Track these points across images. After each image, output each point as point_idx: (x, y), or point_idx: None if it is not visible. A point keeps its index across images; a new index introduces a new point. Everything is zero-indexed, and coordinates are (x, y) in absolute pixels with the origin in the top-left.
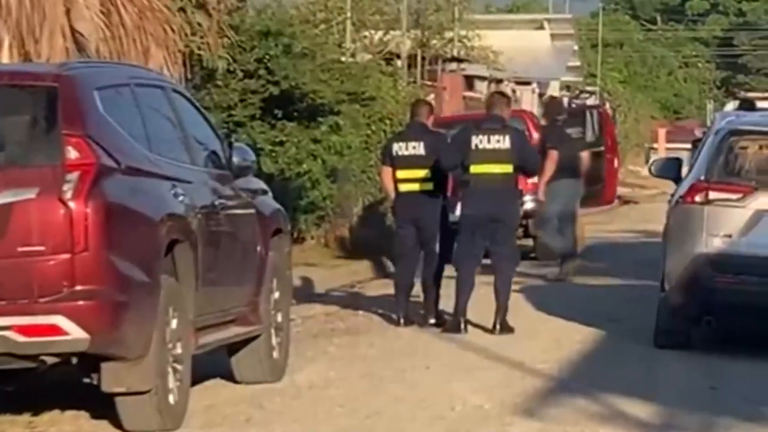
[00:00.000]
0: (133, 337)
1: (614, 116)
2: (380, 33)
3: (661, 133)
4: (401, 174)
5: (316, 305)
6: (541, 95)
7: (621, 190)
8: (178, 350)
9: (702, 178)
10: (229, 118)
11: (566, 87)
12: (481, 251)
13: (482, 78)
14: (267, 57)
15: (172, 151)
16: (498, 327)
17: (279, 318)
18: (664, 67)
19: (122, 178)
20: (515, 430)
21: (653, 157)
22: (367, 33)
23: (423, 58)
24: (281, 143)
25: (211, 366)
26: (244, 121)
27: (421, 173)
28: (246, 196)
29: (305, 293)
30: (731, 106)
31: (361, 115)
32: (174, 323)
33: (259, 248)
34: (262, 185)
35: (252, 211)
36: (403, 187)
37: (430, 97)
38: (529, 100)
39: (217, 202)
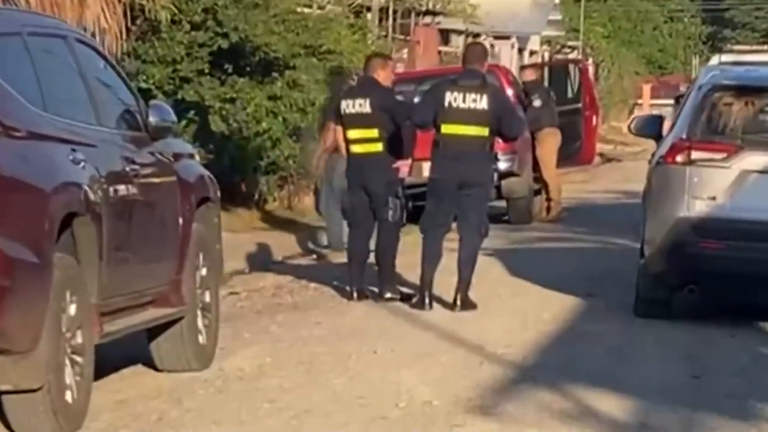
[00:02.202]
0: (18, 327)
1: (597, 72)
2: None
3: (646, 89)
4: (349, 134)
5: (269, 275)
6: (520, 50)
7: (603, 148)
8: (78, 340)
9: (684, 136)
10: (175, 73)
11: (547, 42)
12: (449, 219)
13: (458, 32)
14: (215, 7)
15: (73, 110)
16: (459, 303)
17: (207, 298)
18: (648, 22)
19: (6, 142)
20: None
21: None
22: None
23: (395, 12)
24: (232, 100)
25: (135, 350)
26: (191, 77)
27: (368, 133)
28: (166, 161)
29: (261, 261)
30: (716, 60)
31: (325, 70)
32: (72, 309)
33: (180, 220)
34: (187, 148)
35: (172, 177)
36: (352, 149)
37: (403, 52)
38: (508, 56)
39: (128, 168)
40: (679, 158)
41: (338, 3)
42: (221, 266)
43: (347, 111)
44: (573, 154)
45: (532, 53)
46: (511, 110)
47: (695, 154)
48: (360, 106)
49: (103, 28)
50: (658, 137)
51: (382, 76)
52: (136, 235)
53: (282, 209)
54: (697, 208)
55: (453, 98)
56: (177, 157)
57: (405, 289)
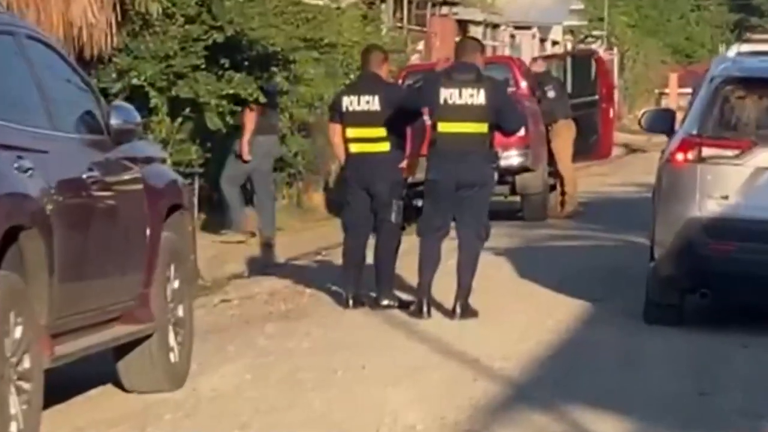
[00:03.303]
0: None
1: (622, 62)
2: None
3: (673, 77)
4: (352, 132)
5: (267, 280)
6: (542, 40)
7: (628, 138)
8: (25, 365)
9: (694, 132)
10: (168, 68)
11: (570, 32)
12: (447, 222)
13: (477, 23)
14: None
15: (21, 114)
16: (459, 311)
17: (179, 312)
18: (675, 11)
19: None
20: None
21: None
22: None
23: (410, 2)
24: (229, 96)
25: (108, 368)
26: (185, 72)
27: (375, 132)
28: (130, 166)
29: (262, 264)
30: (735, 49)
31: (339, 64)
32: (18, 331)
33: (148, 229)
34: (157, 152)
35: (138, 184)
36: (354, 148)
37: (419, 44)
38: (529, 46)
39: (86, 175)
40: (689, 155)
41: None
42: (196, 278)
43: (351, 108)
44: (590, 147)
45: (554, 43)
46: (511, 103)
47: (706, 151)
48: (368, 103)
49: (91, 23)
50: (670, 132)
51: (384, 71)
52: (96, 248)
53: (291, 207)
54: (709, 207)
55: (449, 94)
56: (144, 161)
57: (404, 296)
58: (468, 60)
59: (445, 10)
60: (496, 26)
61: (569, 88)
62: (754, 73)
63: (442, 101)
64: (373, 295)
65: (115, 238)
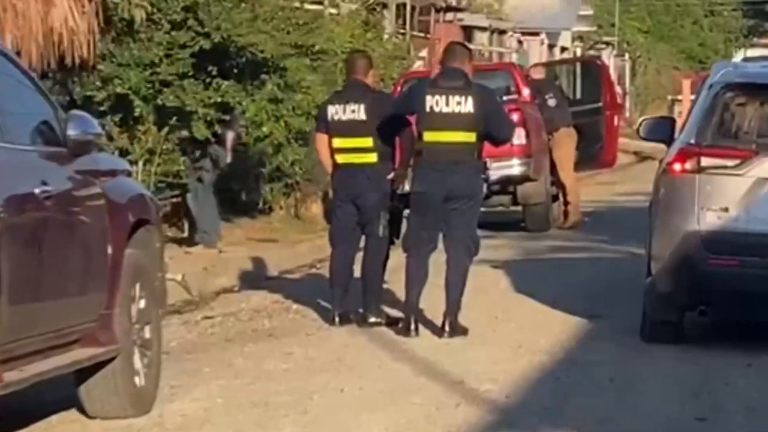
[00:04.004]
0: None
1: (634, 68)
2: None
3: (686, 83)
4: (338, 143)
5: (256, 294)
6: (551, 46)
7: (639, 145)
8: None
9: (692, 141)
10: (153, 76)
11: (579, 38)
12: (435, 236)
13: (482, 29)
14: (196, 4)
15: None
16: (447, 329)
17: (146, 333)
18: (688, 16)
19: None
20: None
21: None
22: None
23: (413, 8)
24: (220, 104)
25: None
26: (171, 80)
27: (362, 142)
28: (90, 180)
29: (254, 277)
30: (741, 55)
31: (338, 71)
32: None
33: (109, 246)
34: (120, 164)
35: (99, 199)
36: (341, 159)
37: (423, 51)
38: (537, 52)
39: (38, 190)
40: (687, 165)
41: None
42: (164, 297)
43: (336, 118)
44: (594, 156)
45: (563, 50)
46: (501, 111)
47: (705, 161)
48: (353, 112)
49: (72, 29)
50: (670, 141)
51: (371, 79)
52: (50, 267)
53: (289, 218)
54: (708, 220)
55: (434, 102)
56: (106, 174)
57: (393, 312)
58: (456, 66)
59: (449, 16)
60: (502, 32)
61: (572, 96)
62: (755, 78)
63: (428, 109)
64: (361, 311)
65: (72, 257)
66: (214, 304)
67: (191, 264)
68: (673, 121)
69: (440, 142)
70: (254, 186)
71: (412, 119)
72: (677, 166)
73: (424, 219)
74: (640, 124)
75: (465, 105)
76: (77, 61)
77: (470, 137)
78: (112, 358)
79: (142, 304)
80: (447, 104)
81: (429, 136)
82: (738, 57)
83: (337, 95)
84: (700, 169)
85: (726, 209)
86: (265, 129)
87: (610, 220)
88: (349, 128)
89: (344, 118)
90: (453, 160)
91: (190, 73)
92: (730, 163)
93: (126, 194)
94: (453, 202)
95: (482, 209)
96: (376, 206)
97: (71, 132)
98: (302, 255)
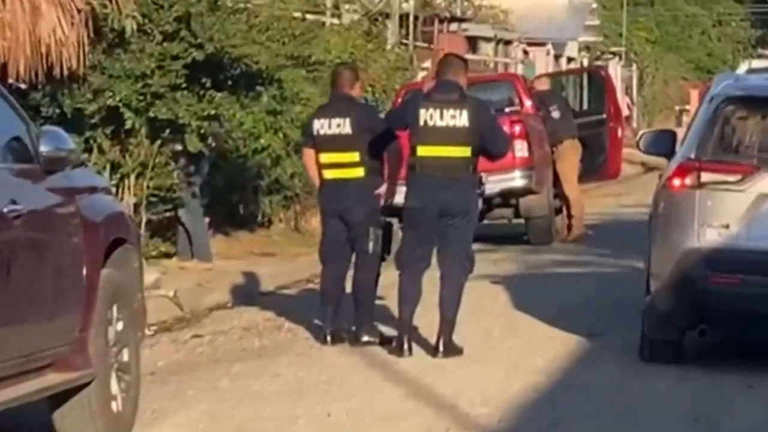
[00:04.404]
0: None
1: (642, 78)
2: None
3: (694, 94)
4: (325, 158)
5: (248, 311)
6: (557, 57)
7: (646, 156)
8: None
9: (692, 156)
10: (145, 88)
11: (586, 48)
12: (429, 253)
13: (487, 39)
14: (189, 15)
15: None
16: (441, 348)
17: (124, 356)
18: (696, 26)
19: None
20: None
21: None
22: None
23: (416, 18)
24: (215, 117)
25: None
26: (163, 92)
27: (348, 157)
28: (64, 198)
29: (248, 292)
30: (746, 66)
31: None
32: None
33: (84, 267)
34: (98, 181)
35: (73, 218)
36: (328, 174)
37: (427, 61)
38: (543, 63)
39: (7, 209)
40: (687, 181)
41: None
42: (144, 318)
43: (322, 132)
44: (597, 168)
45: (569, 60)
46: (496, 124)
47: (706, 176)
48: (339, 126)
49: (60, 40)
50: (671, 155)
51: (357, 92)
52: (19, 289)
53: (289, 231)
54: (709, 237)
55: (428, 116)
56: (81, 192)
57: (386, 330)
58: (451, 78)
59: (453, 26)
60: (508, 43)
61: (576, 107)
62: (756, 91)
63: (421, 123)
64: (354, 329)
65: (43, 278)
66: (206, 321)
67: (186, 279)
68: (673, 134)
69: (434, 156)
70: (252, 199)
71: (401, 132)
72: (677, 182)
73: (417, 235)
74: (640, 138)
75: (459, 118)
76: (66, 72)
77: (465, 152)
78: (88, 383)
79: (120, 326)
80: (441, 118)
81: (423, 151)
82: (743, 68)
83: (322, 109)
84: (700, 185)
85: (727, 226)
86: (263, 141)
87: (614, 233)
88: (336, 142)
89: (330, 132)
90: (447, 175)
91: (183, 85)
92: (731, 178)
93: (102, 212)
94: (447, 218)
95: (485, 221)
96: (365, 221)
97: (44, 148)
98: (300, 269)
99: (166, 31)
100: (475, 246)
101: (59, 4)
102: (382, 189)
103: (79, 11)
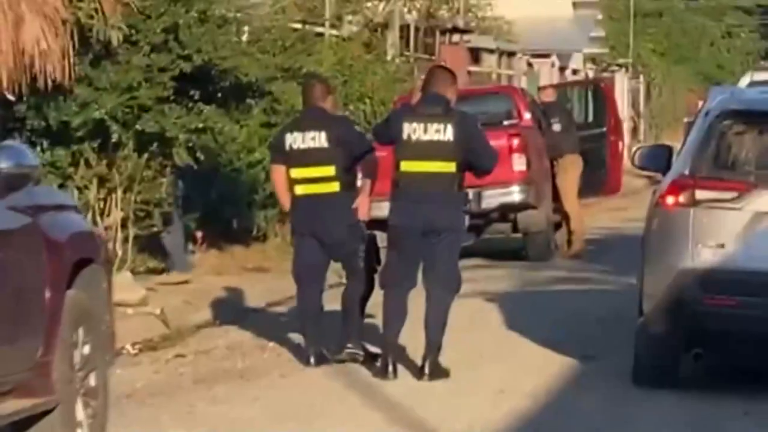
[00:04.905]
0: None
1: (649, 90)
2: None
3: (701, 105)
4: (297, 173)
5: (234, 330)
6: (561, 69)
7: None
8: None
9: (686, 172)
10: (132, 101)
11: (592, 60)
12: (413, 272)
13: (490, 51)
14: (177, 26)
15: None
16: (427, 370)
17: (91, 381)
18: (705, 38)
19: None
20: None
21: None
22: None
23: (417, 29)
24: (203, 130)
25: None
26: (151, 105)
27: (324, 171)
28: (24, 217)
29: (237, 309)
30: (747, 78)
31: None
32: None
33: (47, 288)
34: (63, 198)
35: (35, 237)
36: (300, 189)
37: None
38: (548, 75)
39: None
40: (681, 198)
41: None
42: (113, 341)
43: (296, 146)
44: (597, 183)
45: (574, 72)
46: (482, 140)
47: (700, 194)
48: (313, 140)
49: (44, 51)
50: (666, 171)
51: (330, 104)
52: None
53: (285, 246)
54: (704, 257)
55: (412, 130)
56: (44, 210)
57: (373, 348)
58: (437, 91)
59: (456, 37)
60: (511, 54)
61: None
62: (753, 105)
63: (405, 137)
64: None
65: (1, 299)
66: (191, 340)
67: (174, 296)
68: (669, 149)
69: (418, 172)
70: (247, 213)
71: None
72: (670, 199)
73: (401, 253)
74: (634, 153)
75: (444, 133)
76: (51, 84)
77: (449, 167)
78: (51, 409)
79: (87, 349)
80: (425, 132)
81: (406, 166)
82: (744, 80)
83: (294, 123)
84: (694, 203)
85: (722, 245)
86: (257, 154)
87: (615, 249)
88: (310, 157)
89: (304, 146)
90: (431, 191)
91: (171, 98)
92: (727, 195)
93: (67, 231)
94: (432, 235)
95: (486, 236)
96: (344, 239)
97: (3, 165)
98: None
99: (153, 43)
100: (472, 261)
101: (43, 15)
102: (358, 202)
103: (64, 22)
